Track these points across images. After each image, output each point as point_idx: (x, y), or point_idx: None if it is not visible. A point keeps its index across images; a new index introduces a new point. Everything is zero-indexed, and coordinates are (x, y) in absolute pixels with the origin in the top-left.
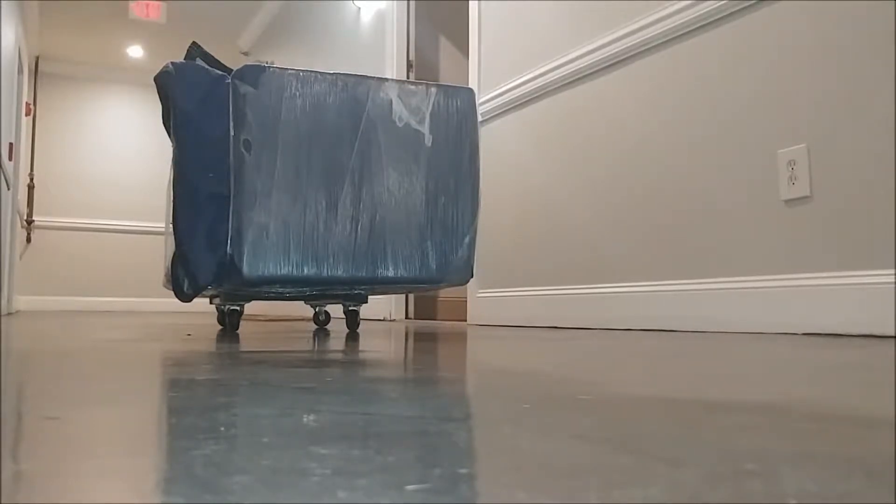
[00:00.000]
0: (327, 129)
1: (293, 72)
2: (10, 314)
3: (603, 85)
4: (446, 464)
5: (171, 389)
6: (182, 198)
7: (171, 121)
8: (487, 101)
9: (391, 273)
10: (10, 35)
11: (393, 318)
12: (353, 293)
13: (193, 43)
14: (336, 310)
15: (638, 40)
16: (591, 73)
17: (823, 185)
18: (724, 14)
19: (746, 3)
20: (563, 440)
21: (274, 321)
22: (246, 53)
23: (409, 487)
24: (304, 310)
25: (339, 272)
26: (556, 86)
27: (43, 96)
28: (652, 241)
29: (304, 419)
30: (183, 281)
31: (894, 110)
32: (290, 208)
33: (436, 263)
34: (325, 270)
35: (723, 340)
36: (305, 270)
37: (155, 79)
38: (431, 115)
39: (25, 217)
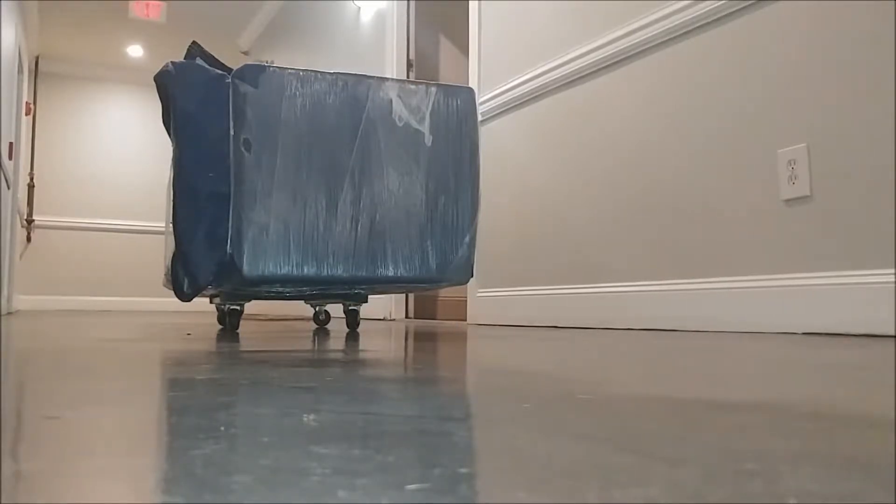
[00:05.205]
0: (327, 129)
1: (293, 71)
2: (10, 314)
3: (603, 85)
4: (446, 463)
5: (171, 389)
6: (182, 197)
7: (171, 120)
8: (487, 100)
9: (391, 272)
10: (10, 35)
11: (393, 317)
12: (353, 292)
13: (193, 42)
14: (336, 309)
15: (638, 40)
16: (591, 73)
17: (823, 185)
18: (724, 14)
19: (746, 3)
20: (564, 440)
21: (274, 321)
22: (246, 53)
23: (410, 487)
24: (304, 309)
25: (339, 272)
26: (556, 86)
27: (43, 96)
28: (652, 240)
29: (305, 419)
30: (183, 280)
31: (894, 110)
32: (290, 208)
33: (436, 263)
34: (325, 270)
35: (723, 340)
36: (305, 270)
37: (155, 78)
38: (431, 114)
39: (25, 216)
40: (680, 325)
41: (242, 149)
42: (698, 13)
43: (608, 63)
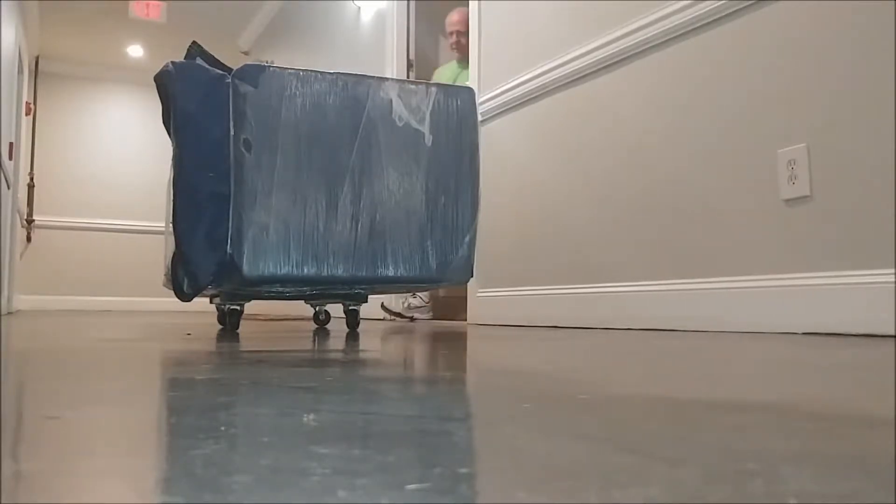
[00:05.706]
0: (327, 129)
1: (293, 71)
2: (10, 314)
3: (603, 85)
4: (446, 463)
5: (171, 389)
6: (182, 197)
7: (172, 120)
8: (487, 100)
9: (391, 272)
10: (10, 35)
11: (393, 317)
12: (353, 292)
13: (193, 42)
14: (336, 309)
15: (638, 40)
16: (591, 73)
17: (823, 185)
18: (724, 14)
19: (746, 3)
20: (564, 440)
21: (274, 321)
22: (246, 53)
23: (410, 487)
24: (304, 309)
25: (340, 271)
26: (555, 85)
27: (43, 96)
28: (652, 240)
29: (305, 419)
30: (183, 280)
31: (894, 110)
32: (290, 208)
33: (436, 263)
34: (326, 270)
35: (723, 340)
36: (305, 270)
37: (155, 78)
38: (431, 114)
39: (25, 216)
40: (680, 325)
41: (242, 149)
42: (698, 13)
43: (608, 63)
